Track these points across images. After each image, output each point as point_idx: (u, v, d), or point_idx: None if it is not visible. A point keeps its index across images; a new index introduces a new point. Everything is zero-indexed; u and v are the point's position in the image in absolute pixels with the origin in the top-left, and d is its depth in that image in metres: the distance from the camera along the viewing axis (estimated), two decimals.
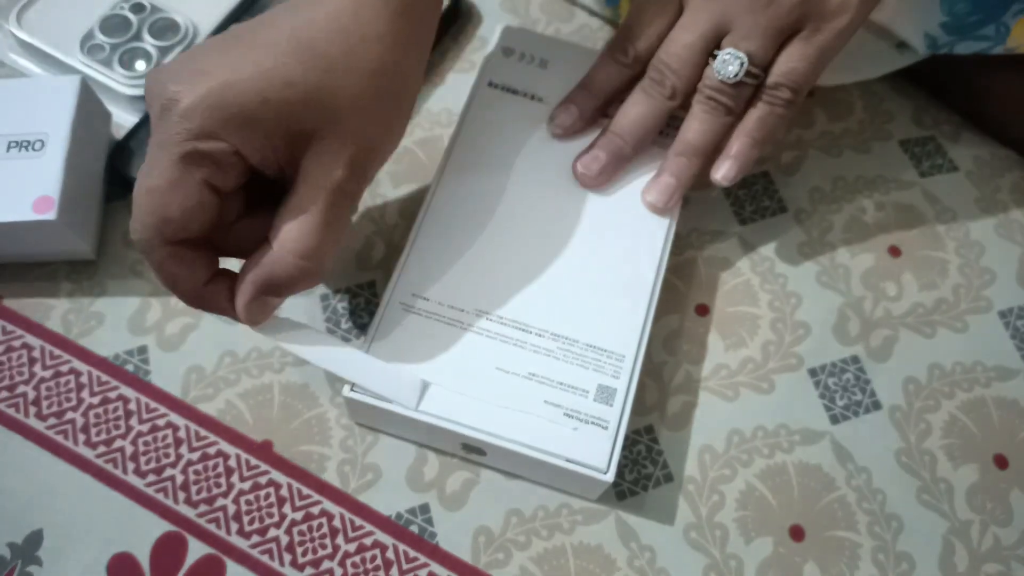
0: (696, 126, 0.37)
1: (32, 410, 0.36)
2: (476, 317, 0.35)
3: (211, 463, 0.35)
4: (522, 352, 0.34)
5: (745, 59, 0.35)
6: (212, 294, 0.30)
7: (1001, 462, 0.38)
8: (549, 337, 0.35)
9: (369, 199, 0.41)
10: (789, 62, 0.35)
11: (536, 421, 0.33)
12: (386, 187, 0.42)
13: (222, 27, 0.43)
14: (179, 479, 0.35)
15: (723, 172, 0.37)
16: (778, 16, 0.35)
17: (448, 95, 0.45)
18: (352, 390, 0.33)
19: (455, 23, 0.47)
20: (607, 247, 0.37)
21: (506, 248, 0.36)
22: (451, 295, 0.35)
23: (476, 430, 0.33)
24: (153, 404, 0.36)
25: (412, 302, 0.35)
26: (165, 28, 0.43)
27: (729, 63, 0.35)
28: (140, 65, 0.42)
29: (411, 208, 0.41)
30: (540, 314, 0.35)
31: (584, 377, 0.34)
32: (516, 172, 0.38)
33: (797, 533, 0.36)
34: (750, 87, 0.36)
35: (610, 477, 0.32)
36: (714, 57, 0.36)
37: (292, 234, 0.29)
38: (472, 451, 0.35)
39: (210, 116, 0.27)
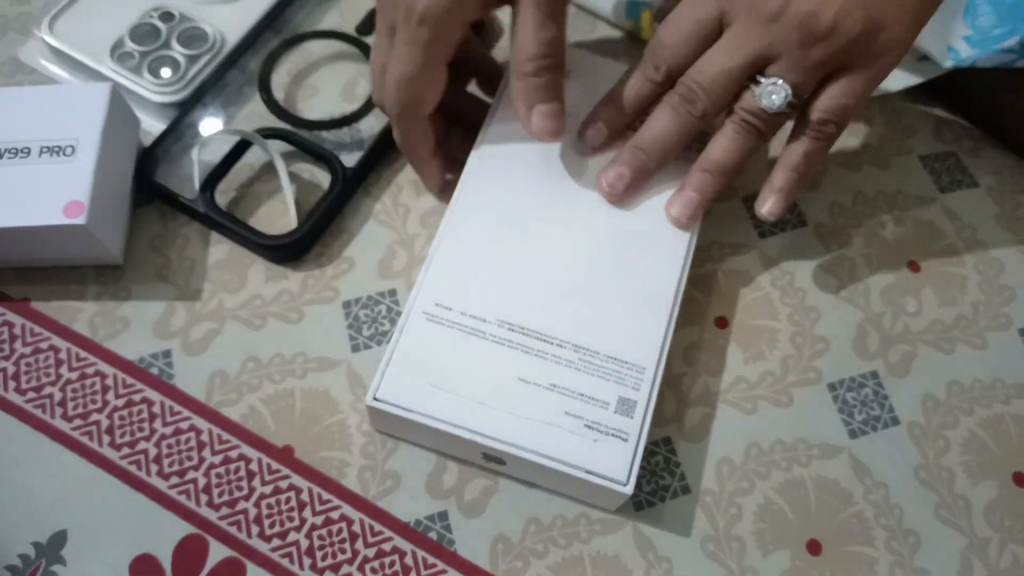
0: (726, 145, 0.37)
1: (58, 411, 0.36)
2: (498, 327, 0.35)
3: (233, 467, 0.36)
4: (543, 363, 0.34)
5: (790, 92, 0.34)
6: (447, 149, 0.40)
7: (1020, 480, 0.38)
8: (570, 348, 0.35)
9: (391, 207, 0.42)
10: (839, 98, 0.35)
11: (557, 432, 0.33)
12: (408, 196, 0.42)
13: (249, 37, 0.44)
14: (201, 482, 0.35)
15: (769, 207, 0.37)
16: (831, 53, 0.34)
17: None
18: (375, 399, 0.33)
19: (476, 34, 0.47)
20: (629, 258, 0.37)
21: (528, 259, 0.37)
22: (473, 305, 0.35)
23: (497, 440, 0.33)
24: (177, 407, 0.37)
25: (435, 311, 0.35)
26: (193, 37, 0.43)
27: (774, 93, 0.34)
28: (167, 73, 0.42)
29: (432, 217, 0.42)
30: (561, 325, 0.35)
31: (605, 389, 0.34)
32: (538, 182, 0.39)
33: (814, 547, 0.36)
34: (786, 116, 0.36)
35: (629, 489, 0.33)
36: (756, 83, 0.35)
37: (520, 45, 0.35)
38: (492, 460, 0.35)
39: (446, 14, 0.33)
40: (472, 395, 0.34)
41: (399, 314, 0.39)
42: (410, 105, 0.36)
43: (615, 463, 0.33)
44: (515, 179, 0.39)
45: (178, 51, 0.43)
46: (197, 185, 0.40)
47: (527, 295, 0.36)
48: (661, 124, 0.37)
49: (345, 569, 0.34)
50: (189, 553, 0.34)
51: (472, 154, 0.39)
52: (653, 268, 0.37)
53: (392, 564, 0.34)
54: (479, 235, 0.37)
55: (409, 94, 0.36)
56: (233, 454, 0.36)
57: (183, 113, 0.42)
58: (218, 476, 0.35)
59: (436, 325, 0.35)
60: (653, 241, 0.38)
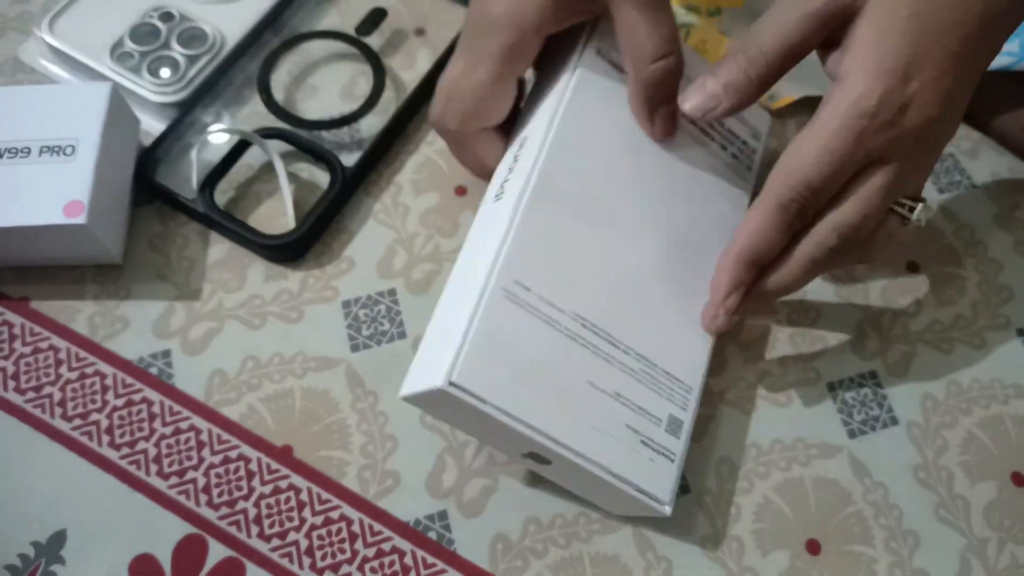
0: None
1: (58, 411, 0.36)
2: (572, 321, 0.31)
3: (232, 466, 0.36)
4: (610, 368, 0.32)
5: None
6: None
7: (1018, 480, 0.38)
8: (634, 356, 0.32)
9: (391, 207, 0.42)
10: None
11: (618, 446, 0.31)
12: (408, 196, 0.42)
13: (249, 37, 0.44)
14: (201, 482, 0.35)
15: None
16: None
17: None
18: (452, 384, 0.28)
19: None
20: (688, 269, 0.35)
21: (608, 249, 0.33)
22: (551, 291, 0.31)
23: (567, 448, 0.30)
24: (176, 407, 0.37)
25: (515, 290, 0.31)
26: (193, 37, 0.43)
27: (925, 211, 0.34)
28: (167, 73, 0.42)
29: (432, 217, 0.42)
30: (627, 329, 0.33)
31: (659, 405, 0.33)
32: (623, 166, 0.35)
33: (813, 547, 0.36)
34: None
35: (668, 511, 0.32)
36: (900, 205, 0.34)
37: (637, 47, 0.33)
38: (531, 456, 0.32)
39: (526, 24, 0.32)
40: (546, 393, 0.30)
41: (399, 313, 0.39)
42: (474, 117, 0.35)
43: (663, 483, 0.32)
44: (598, 155, 0.34)
45: (178, 51, 0.43)
46: (196, 185, 0.40)
47: (601, 290, 0.33)
48: (798, 279, 0.34)
49: (345, 569, 0.34)
50: (189, 553, 0.34)
51: (552, 115, 0.35)
52: (707, 284, 0.35)
53: (392, 564, 0.34)
54: (564, 212, 0.33)
55: (475, 106, 0.35)
56: (232, 454, 0.36)
57: (183, 113, 0.42)
58: (217, 476, 0.35)
59: (515, 307, 0.30)
60: (711, 256, 0.35)
